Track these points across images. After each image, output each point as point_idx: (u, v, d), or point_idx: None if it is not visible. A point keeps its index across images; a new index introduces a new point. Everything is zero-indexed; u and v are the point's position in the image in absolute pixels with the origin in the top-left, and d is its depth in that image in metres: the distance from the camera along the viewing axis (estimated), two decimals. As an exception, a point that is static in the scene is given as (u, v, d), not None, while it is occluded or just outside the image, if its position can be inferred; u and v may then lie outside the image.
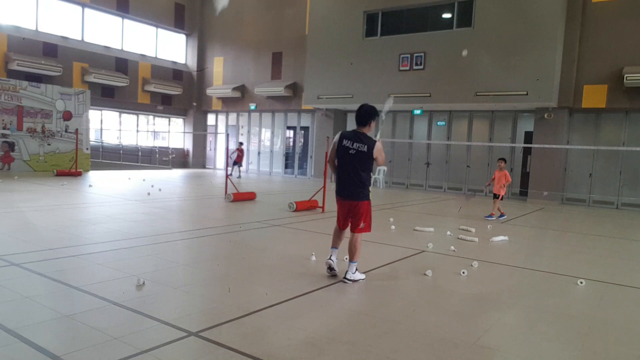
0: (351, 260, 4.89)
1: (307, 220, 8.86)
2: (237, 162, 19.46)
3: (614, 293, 5.12)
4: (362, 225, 4.89)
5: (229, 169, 19.53)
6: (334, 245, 5.11)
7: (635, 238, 9.21)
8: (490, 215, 10.39)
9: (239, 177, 19.02)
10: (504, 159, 10.92)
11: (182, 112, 24.34)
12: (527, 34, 14.07)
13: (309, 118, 20.91)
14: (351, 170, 4.80)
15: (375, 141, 4.79)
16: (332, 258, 5.00)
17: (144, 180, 15.31)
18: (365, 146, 4.73)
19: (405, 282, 5.08)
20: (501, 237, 7.83)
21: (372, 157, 4.75)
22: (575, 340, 3.66)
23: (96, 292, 4.11)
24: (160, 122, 23.96)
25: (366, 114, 4.80)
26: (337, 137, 4.90)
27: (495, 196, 10.53)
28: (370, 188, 4.92)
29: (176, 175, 18.89)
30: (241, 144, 20.43)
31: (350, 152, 4.77)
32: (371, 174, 4.94)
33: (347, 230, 5.10)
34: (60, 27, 18.89)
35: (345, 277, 4.83)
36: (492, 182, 10.74)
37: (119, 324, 3.46)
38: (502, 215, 10.52)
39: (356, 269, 4.89)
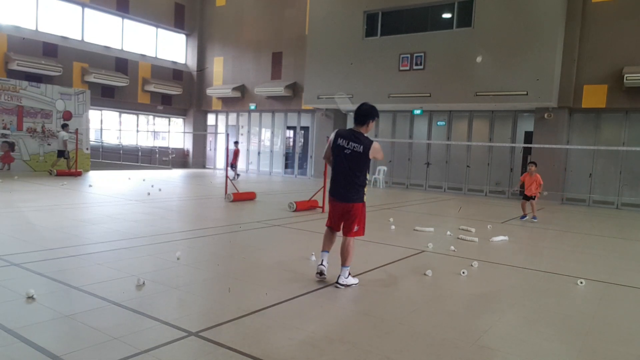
0: (343, 264, 4.67)
1: (307, 220, 8.86)
2: (233, 163, 17.99)
3: (614, 293, 5.12)
4: (355, 228, 4.68)
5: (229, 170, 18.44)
6: (325, 249, 4.88)
7: (635, 238, 9.21)
8: (534, 217, 10.40)
9: (234, 178, 17.35)
10: (534, 163, 10.66)
11: (182, 112, 24.34)
12: (527, 34, 14.07)
13: (309, 118, 20.92)
14: (346, 171, 4.58)
15: (372, 141, 4.55)
16: (323, 263, 4.80)
17: (144, 180, 15.31)
18: (361, 146, 4.50)
19: (405, 282, 5.08)
20: (501, 237, 7.84)
21: (367, 158, 4.54)
22: (575, 340, 3.66)
23: (96, 292, 4.11)
24: (160, 122, 23.96)
25: (366, 113, 4.59)
26: (333, 134, 4.73)
27: (530, 198, 10.43)
28: (366, 189, 4.71)
29: (176, 175, 18.88)
30: (236, 143, 18.95)
31: (345, 151, 4.55)
32: (367, 175, 4.73)
33: (339, 232, 4.90)
34: (60, 27, 18.89)
35: (337, 282, 4.64)
36: (519, 187, 10.83)
37: (119, 324, 3.46)
38: (524, 216, 10.61)
39: (349, 274, 4.69)
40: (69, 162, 16.11)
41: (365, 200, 4.70)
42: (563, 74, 14.45)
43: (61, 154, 15.84)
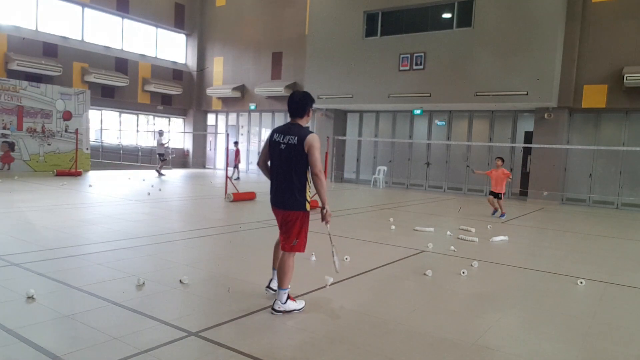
0: (280, 286, 3.89)
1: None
2: (235, 164, 17.97)
3: (614, 293, 5.12)
4: (294, 242, 3.92)
5: (230, 169, 18.54)
6: (275, 266, 4.28)
7: (635, 238, 9.21)
8: (502, 214, 10.67)
9: (238, 178, 17.88)
10: (501, 158, 11.19)
11: (182, 112, 24.34)
12: (527, 34, 14.07)
13: (309, 118, 20.88)
14: (282, 170, 3.87)
15: (310, 132, 3.81)
16: (271, 285, 4.26)
17: (144, 180, 15.31)
18: (296, 137, 3.76)
19: (405, 282, 5.08)
20: (501, 237, 7.84)
21: (304, 152, 3.75)
22: (575, 340, 3.66)
23: (96, 292, 4.11)
24: (160, 122, 23.95)
25: (301, 102, 3.87)
26: (269, 133, 4.04)
27: (497, 196, 10.78)
28: (309, 196, 3.92)
29: (176, 175, 18.88)
30: (236, 143, 18.90)
31: (281, 147, 3.83)
32: (307, 176, 3.87)
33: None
34: (60, 27, 18.88)
35: (273, 308, 3.87)
36: (480, 174, 11.57)
37: (119, 324, 3.46)
38: (495, 211, 10.94)
39: (288, 297, 3.90)
40: (165, 164, 17.88)
41: (308, 209, 3.93)
42: (563, 74, 14.44)
43: (161, 156, 17.58)
